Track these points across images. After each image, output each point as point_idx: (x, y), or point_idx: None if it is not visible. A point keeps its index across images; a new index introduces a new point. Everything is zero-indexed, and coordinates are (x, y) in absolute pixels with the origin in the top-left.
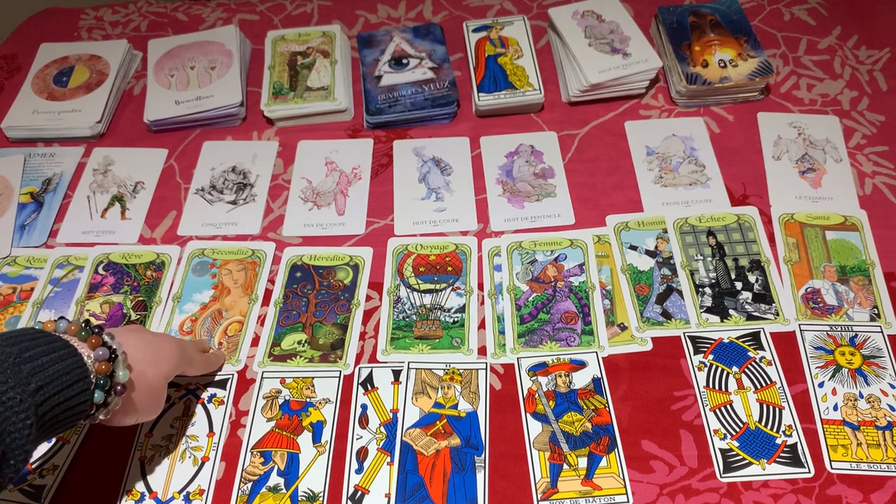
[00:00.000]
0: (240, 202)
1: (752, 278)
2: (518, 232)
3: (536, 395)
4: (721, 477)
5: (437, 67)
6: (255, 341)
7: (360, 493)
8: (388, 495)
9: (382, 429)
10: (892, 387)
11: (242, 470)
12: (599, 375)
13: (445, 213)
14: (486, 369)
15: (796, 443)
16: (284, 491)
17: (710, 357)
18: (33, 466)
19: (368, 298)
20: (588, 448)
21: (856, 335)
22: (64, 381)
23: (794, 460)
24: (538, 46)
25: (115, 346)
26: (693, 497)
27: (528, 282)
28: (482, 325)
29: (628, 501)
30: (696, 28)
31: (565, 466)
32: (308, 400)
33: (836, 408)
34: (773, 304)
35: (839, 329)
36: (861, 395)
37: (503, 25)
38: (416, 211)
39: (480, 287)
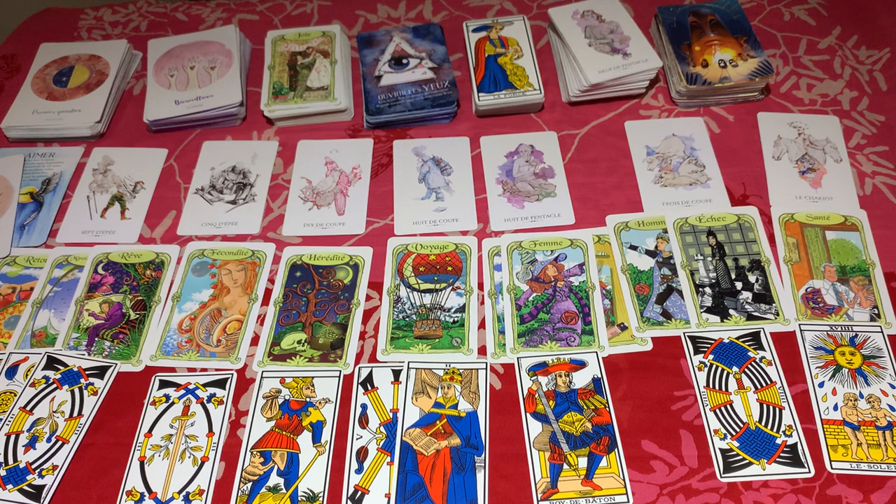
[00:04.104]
0: (239, 202)
1: (752, 278)
2: (518, 232)
3: (536, 395)
4: (721, 477)
5: (437, 67)
6: (255, 340)
7: (360, 493)
8: (388, 495)
9: (382, 429)
10: (892, 387)
11: (242, 470)
12: (599, 375)
13: (445, 212)
14: (486, 369)
15: (796, 443)
16: (284, 491)
17: (710, 357)
18: (33, 467)
19: (368, 298)
20: (588, 448)
21: (856, 335)
22: None
23: (795, 460)
24: (538, 46)
25: None
26: (693, 497)
27: (528, 281)
28: (482, 325)
29: (628, 501)
30: (696, 28)
31: (565, 466)
32: (308, 400)
33: (836, 408)
34: (773, 304)
35: (839, 329)
36: (861, 395)
37: (503, 25)
38: (416, 211)
39: (480, 287)
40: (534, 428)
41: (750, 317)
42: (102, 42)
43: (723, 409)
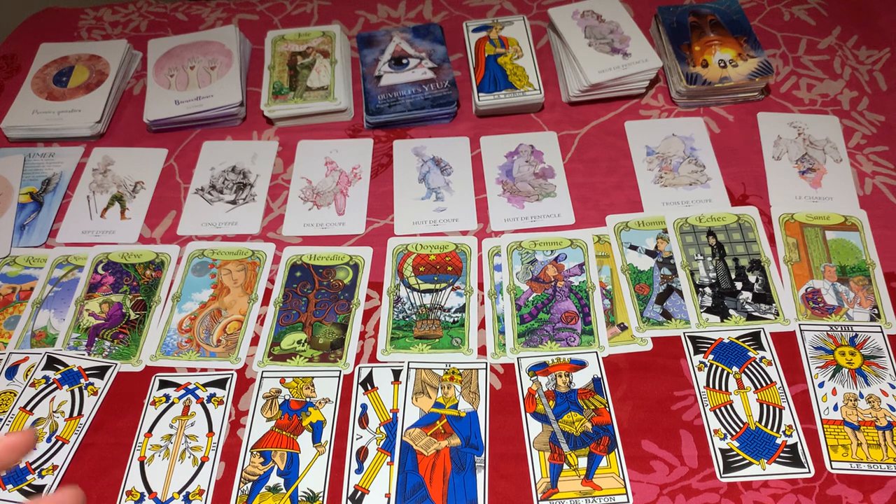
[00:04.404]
0: (239, 202)
1: (752, 278)
2: (518, 232)
3: (536, 395)
4: (721, 477)
5: (436, 67)
6: (255, 341)
7: (360, 493)
8: (388, 495)
9: (382, 429)
10: (892, 387)
11: (242, 470)
12: (599, 375)
13: (445, 212)
14: (486, 369)
15: (796, 443)
16: (284, 491)
17: (710, 357)
18: (33, 466)
19: (368, 298)
20: (588, 448)
21: (856, 335)
22: None
23: (795, 460)
24: (538, 46)
25: None
26: (693, 497)
27: (528, 281)
28: (482, 325)
29: (628, 501)
30: (696, 28)
31: (565, 466)
32: (308, 400)
33: (836, 408)
34: (773, 304)
35: (839, 329)
36: (861, 395)
37: (503, 25)
38: (416, 211)
39: (480, 287)
40: (534, 428)
41: (750, 317)
42: (102, 42)
43: (723, 409)
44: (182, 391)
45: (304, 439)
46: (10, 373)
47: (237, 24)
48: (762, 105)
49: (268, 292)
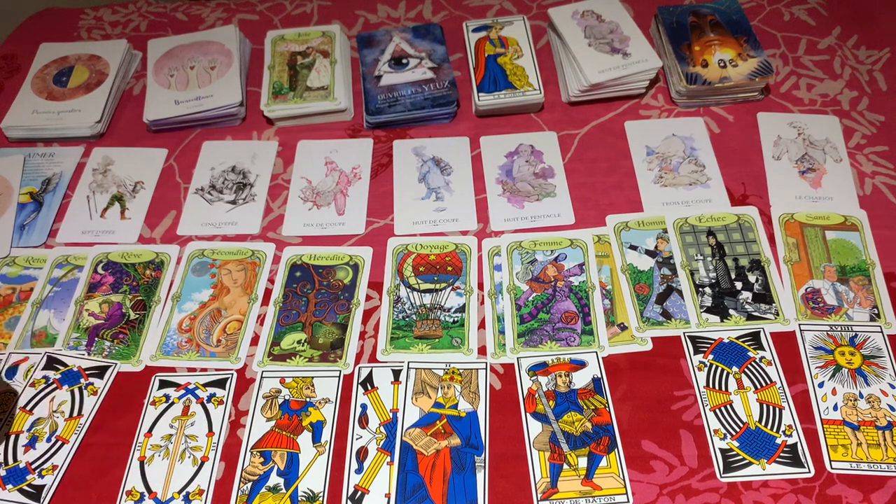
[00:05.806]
0: (239, 202)
1: (752, 278)
2: (518, 232)
3: (536, 395)
4: (721, 477)
5: (436, 67)
6: (255, 340)
7: (360, 493)
8: (388, 495)
9: (382, 429)
10: (892, 387)
11: (242, 470)
12: (599, 375)
13: (445, 212)
14: (486, 369)
15: (796, 443)
16: (284, 491)
17: (710, 357)
18: (33, 467)
19: (368, 298)
20: (588, 448)
21: (856, 335)
22: None
23: (794, 460)
24: (538, 46)
25: None
26: (693, 497)
27: (528, 281)
28: (482, 325)
29: (628, 501)
30: (695, 28)
31: (565, 466)
32: (308, 400)
33: (836, 408)
34: (773, 304)
35: (839, 329)
36: (861, 395)
37: (503, 25)
38: (416, 211)
39: (480, 287)
40: (534, 428)
41: (750, 317)
42: (102, 42)
43: (723, 409)
44: (182, 391)
45: (304, 439)
46: (10, 373)
47: (237, 24)
48: (762, 105)
49: (268, 292)
